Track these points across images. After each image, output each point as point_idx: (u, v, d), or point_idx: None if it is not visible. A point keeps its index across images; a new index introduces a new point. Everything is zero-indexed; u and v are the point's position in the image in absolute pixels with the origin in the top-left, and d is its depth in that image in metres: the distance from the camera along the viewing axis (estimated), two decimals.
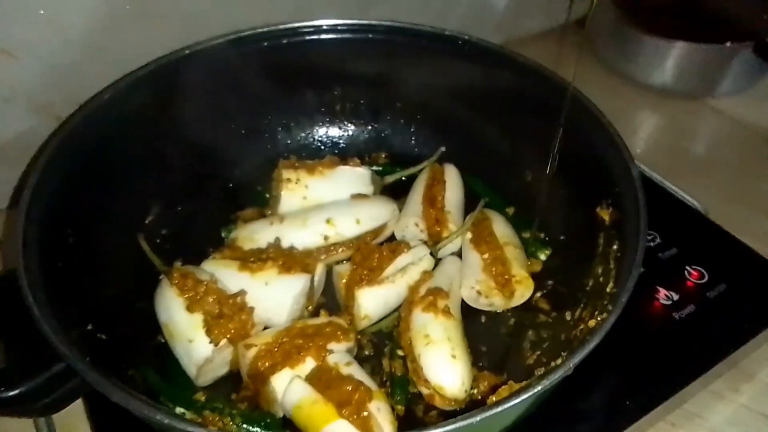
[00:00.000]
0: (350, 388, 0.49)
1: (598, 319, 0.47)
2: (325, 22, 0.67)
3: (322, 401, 0.48)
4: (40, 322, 0.44)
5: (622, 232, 0.52)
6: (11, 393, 0.45)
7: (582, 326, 0.52)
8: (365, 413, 0.48)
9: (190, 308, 0.54)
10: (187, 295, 0.54)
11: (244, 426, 0.51)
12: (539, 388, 0.41)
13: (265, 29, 0.67)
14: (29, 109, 0.70)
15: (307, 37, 0.68)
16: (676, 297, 0.63)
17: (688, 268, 0.66)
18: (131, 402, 0.41)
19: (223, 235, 0.67)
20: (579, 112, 0.59)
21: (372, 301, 0.58)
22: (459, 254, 0.65)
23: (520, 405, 0.41)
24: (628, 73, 1.00)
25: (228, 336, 0.53)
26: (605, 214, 0.56)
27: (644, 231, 0.48)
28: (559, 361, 0.47)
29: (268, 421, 0.52)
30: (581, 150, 0.59)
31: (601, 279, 0.54)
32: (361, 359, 0.58)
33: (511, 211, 0.69)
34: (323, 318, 0.58)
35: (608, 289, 0.50)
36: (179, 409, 0.52)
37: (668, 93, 0.98)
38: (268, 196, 0.70)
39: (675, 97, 0.98)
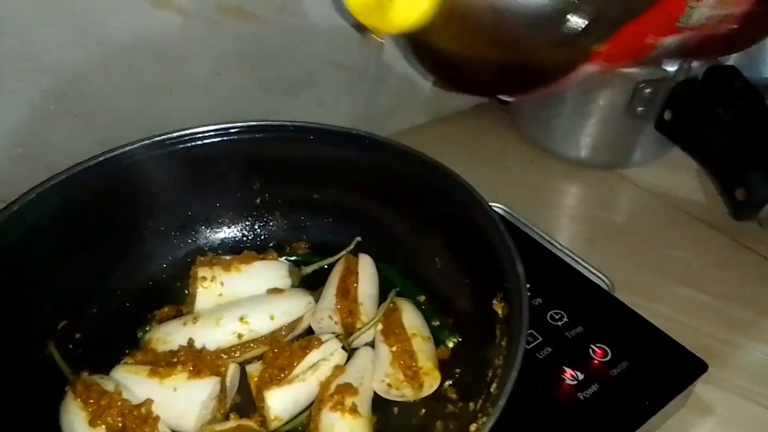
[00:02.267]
0: None
1: (480, 423, 0.48)
2: (238, 124, 0.71)
3: None
4: None
5: (510, 329, 0.54)
6: None
7: (479, 420, 0.53)
8: None
9: (92, 422, 0.53)
10: (90, 408, 0.54)
11: None
12: None
13: (182, 132, 0.70)
14: None
15: (222, 138, 0.70)
16: (581, 376, 0.66)
17: (592, 346, 0.69)
18: None
19: (138, 335, 0.67)
20: (469, 203, 0.63)
21: (281, 402, 0.59)
22: (373, 344, 0.67)
23: None
24: (547, 147, 1.07)
25: None
26: (499, 308, 0.59)
27: (525, 330, 0.50)
28: None
29: None
30: (476, 242, 0.62)
31: (498, 371, 0.56)
32: None
33: (422, 298, 0.71)
34: (233, 422, 0.58)
35: (492, 389, 0.52)
36: None
37: (584, 165, 1.04)
38: (186, 292, 0.70)
39: (591, 168, 1.04)
